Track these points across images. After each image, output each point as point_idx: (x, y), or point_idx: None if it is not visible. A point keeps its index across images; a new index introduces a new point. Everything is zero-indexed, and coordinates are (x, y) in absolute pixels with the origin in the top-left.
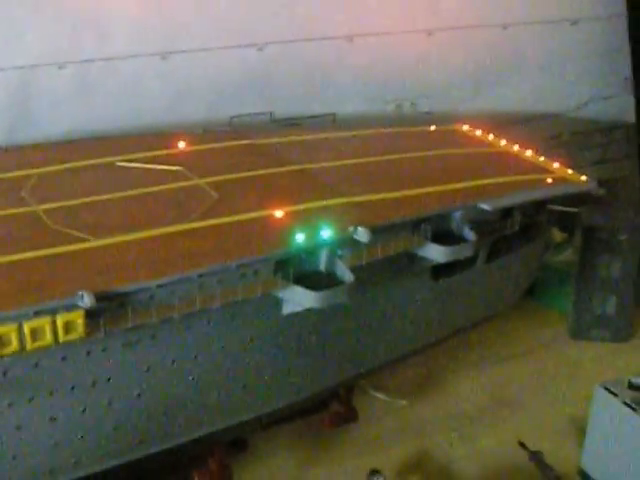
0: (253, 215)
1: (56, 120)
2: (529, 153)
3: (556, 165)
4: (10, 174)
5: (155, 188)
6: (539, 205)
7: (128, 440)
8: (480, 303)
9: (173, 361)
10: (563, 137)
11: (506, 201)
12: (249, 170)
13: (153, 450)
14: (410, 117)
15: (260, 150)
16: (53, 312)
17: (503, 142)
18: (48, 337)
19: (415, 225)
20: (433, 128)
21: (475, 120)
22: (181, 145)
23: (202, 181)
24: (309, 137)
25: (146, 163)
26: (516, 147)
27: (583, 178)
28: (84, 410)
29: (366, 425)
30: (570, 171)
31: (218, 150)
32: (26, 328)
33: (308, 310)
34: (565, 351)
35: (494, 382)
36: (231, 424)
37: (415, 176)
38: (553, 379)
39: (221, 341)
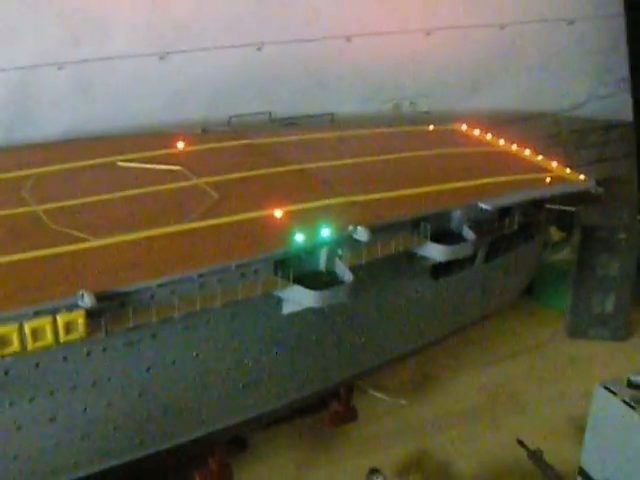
0: (252, 215)
1: (55, 120)
2: (527, 152)
3: (554, 164)
4: (10, 174)
5: (155, 188)
6: (537, 204)
7: (128, 440)
8: (479, 302)
9: (173, 361)
10: (561, 136)
11: (505, 200)
12: (248, 170)
13: (153, 450)
14: (408, 116)
15: (259, 150)
16: (54, 312)
17: (501, 141)
18: (49, 337)
19: (414, 224)
20: (431, 128)
21: (473, 119)
22: (180, 145)
23: (202, 181)
24: (308, 137)
25: (145, 163)
26: (514, 146)
27: (581, 177)
28: (85, 410)
29: (366, 425)
30: (568, 170)
31: (217, 150)
32: (27, 328)
33: (308, 310)
34: (563, 350)
35: (493, 381)
36: (231, 424)
37: (414, 175)
38: (552, 378)
39: (221, 341)
